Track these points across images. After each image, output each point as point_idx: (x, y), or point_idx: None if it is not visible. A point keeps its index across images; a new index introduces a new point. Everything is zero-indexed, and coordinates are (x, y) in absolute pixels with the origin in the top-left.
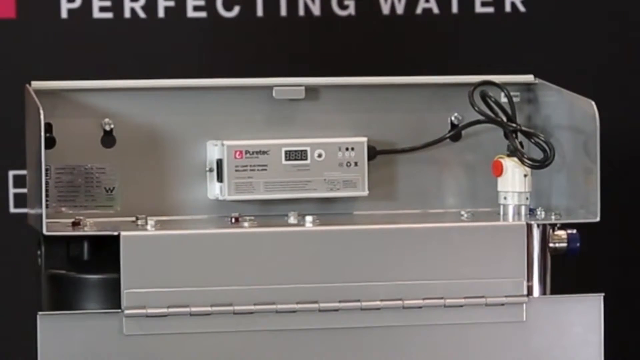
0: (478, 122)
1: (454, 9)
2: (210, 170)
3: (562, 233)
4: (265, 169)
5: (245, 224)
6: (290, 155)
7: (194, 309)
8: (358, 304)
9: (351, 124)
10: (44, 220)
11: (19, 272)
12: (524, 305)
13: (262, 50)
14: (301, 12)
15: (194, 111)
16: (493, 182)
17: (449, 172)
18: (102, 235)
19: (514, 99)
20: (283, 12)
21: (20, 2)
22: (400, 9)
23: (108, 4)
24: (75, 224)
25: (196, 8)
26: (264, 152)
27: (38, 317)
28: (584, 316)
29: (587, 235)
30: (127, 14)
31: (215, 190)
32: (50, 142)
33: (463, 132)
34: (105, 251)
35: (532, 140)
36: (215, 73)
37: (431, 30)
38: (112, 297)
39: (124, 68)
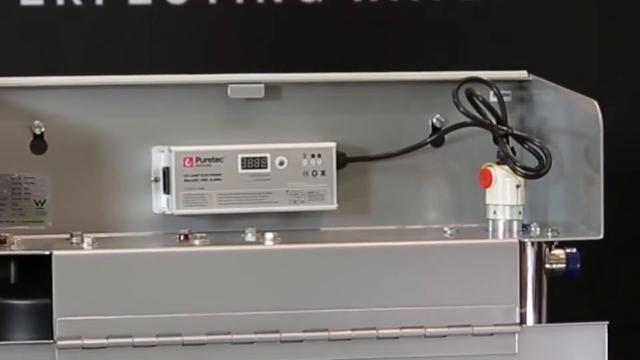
0: (463, 124)
1: None
2: (156, 180)
3: (560, 252)
4: (219, 179)
5: (196, 242)
6: (248, 163)
7: (137, 340)
8: (326, 333)
9: (318, 127)
10: None
11: None
12: (516, 335)
13: (215, 43)
14: None
15: (137, 112)
16: (481, 193)
17: (430, 182)
18: (32, 254)
19: (505, 99)
20: None
21: None
22: None
23: None
24: (1, 242)
25: None
26: (218, 160)
27: None
28: (586, 348)
29: (589, 254)
30: (59, 0)
31: (161, 203)
32: None
33: (446, 136)
34: (35, 273)
35: (526, 146)
36: (161, 69)
37: (410, 20)
38: (43, 326)
39: (56, 63)
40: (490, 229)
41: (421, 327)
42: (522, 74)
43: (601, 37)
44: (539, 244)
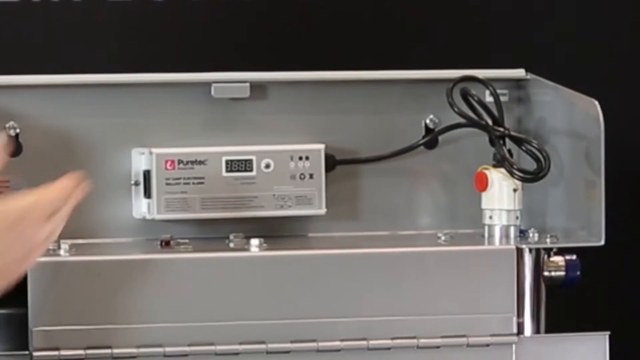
0: (458, 125)
1: None
2: (136, 183)
3: (559, 259)
4: (202, 183)
5: (178, 248)
6: (232, 165)
7: (116, 351)
8: (314, 344)
9: (305, 128)
10: None
11: None
12: (514, 346)
13: (198, 40)
14: None
15: (116, 113)
16: (476, 198)
17: (423, 185)
18: None
19: (502, 98)
20: None
21: None
22: None
23: None
24: None
25: None
26: (201, 162)
27: None
28: (586, 359)
29: (590, 262)
30: None
31: (141, 207)
32: None
33: (440, 137)
34: None
35: (523, 148)
36: (141, 67)
37: (402, 15)
38: (18, 336)
39: (32, 61)
40: (486, 234)
41: (414, 337)
42: (519, 72)
43: (602, 34)
44: (537, 250)
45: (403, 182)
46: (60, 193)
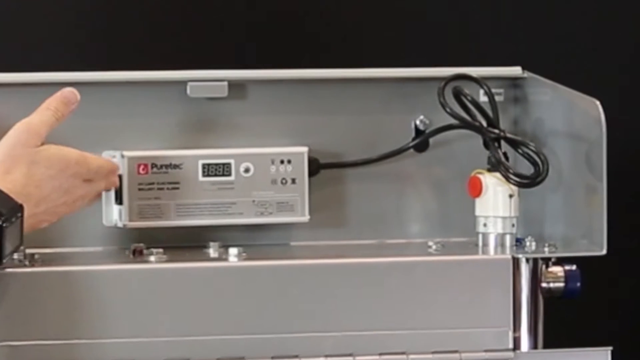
0: (450, 127)
1: None
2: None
3: (558, 270)
4: (177, 188)
5: (152, 258)
6: (210, 169)
7: None
8: None
9: (287, 130)
10: None
11: None
12: None
13: (173, 35)
14: None
15: (85, 113)
16: (469, 204)
17: (413, 191)
18: None
19: (497, 98)
20: None
21: None
22: None
23: None
24: None
25: None
26: (176, 166)
27: None
28: None
29: (590, 272)
30: None
31: (112, 214)
32: None
33: (431, 140)
34: None
35: (520, 151)
36: (111, 64)
37: (390, 10)
38: None
39: None
40: (480, 243)
41: (403, 353)
42: (515, 70)
43: (603, 30)
44: (535, 260)
45: (391, 187)
46: (102, 167)
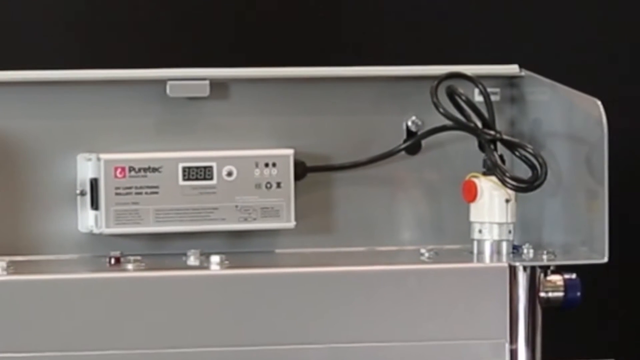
0: (444, 128)
1: None
2: (82, 193)
3: (557, 279)
4: (156, 192)
5: (129, 266)
6: (190, 173)
7: None
8: None
9: (272, 131)
10: None
11: None
12: None
13: (153, 32)
14: None
15: (59, 114)
16: (464, 209)
17: (405, 196)
18: None
19: (492, 98)
20: None
21: None
22: None
23: None
24: None
25: None
26: (155, 170)
27: None
28: None
29: (591, 281)
30: None
31: (88, 220)
32: None
33: (423, 142)
34: None
35: (517, 153)
36: (87, 62)
37: (381, 5)
38: None
39: None
40: (475, 251)
41: None
42: (512, 68)
43: (604, 27)
44: (533, 268)
45: (382, 191)
46: None
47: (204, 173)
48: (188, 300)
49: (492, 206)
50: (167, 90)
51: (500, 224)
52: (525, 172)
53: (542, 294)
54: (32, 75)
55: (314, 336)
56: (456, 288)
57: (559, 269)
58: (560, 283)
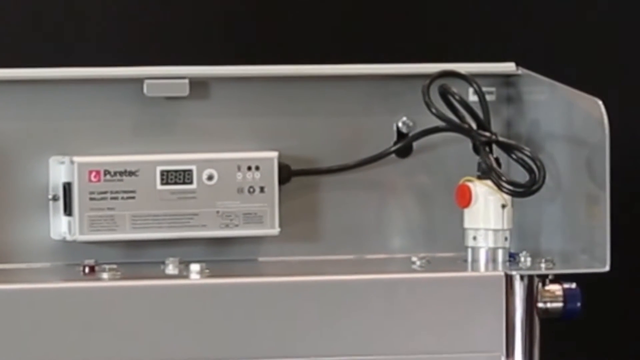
0: (436, 129)
1: None
2: (54, 198)
3: (556, 288)
4: (133, 197)
5: (104, 275)
6: (169, 177)
7: None
8: None
9: (255, 133)
10: None
11: None
12: None
13: (129, 28)
14: None
15: (30, 114)
16: (458, 215)
17: (395, 201)
18: None
19: (488, 97)
20: None
21: None
22: None
23: None
24: None
25: None
26: (131, 173)
27: None
28: None
29: (592, 291)
30: None
31: (61, 227)
32: None
33: (415, 144)
34: None
35: (514, 156)
36: (60, 60)
37: (369, 0)
38: None
39: None
40: (470, 259)
41: None
42: (508, 66)
43: (604, 23)
44: (530, 277)
45: (371, 196)
46: None
47: (183, 177)
48: (166, 311)
49: (487, 212)
50: (145, 90)
51: (495, 231)
52: (522, 176)
53: (540, 305)
54: (2, 74)
55: (299, 349)
56: (449, 298)
57: (558, 278)
58: (560, 293)
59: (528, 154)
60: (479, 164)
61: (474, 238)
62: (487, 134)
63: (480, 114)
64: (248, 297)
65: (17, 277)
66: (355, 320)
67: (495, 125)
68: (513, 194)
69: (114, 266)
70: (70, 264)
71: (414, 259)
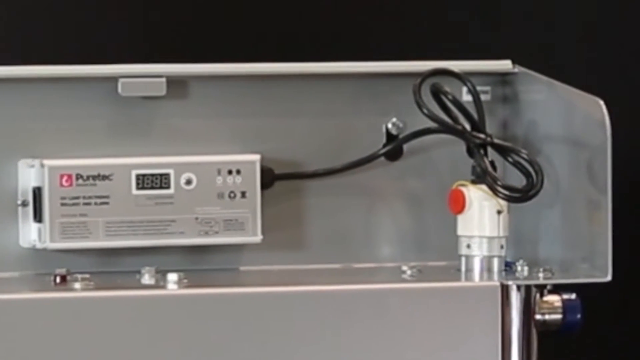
0: (428, 131)
1: None
2: (24, 204)
3: (554, 299)
4: (107, 203)
5: (77, 285)
6: (145, 181)
7: None
8: None
9: (236, 135)
10: None
11: None
12: None
13: (103, 25)
14: None
15: None
16: (450, 222)
17: (384, 206)
18: None
19: (483, 97)
20: None
21: None
22: None
23: None
24: None
25: None
26: (105, 177)
27: None
28: None
29: (593, 301)
30: None
31: (31, 234)
32: None
33: (405, 146)
34: None
35: (510, 159)
36: (29, 57)
37: None
38: None
39: None
40: (463, 268)
41: None
42: (504, 64)
43: (605, 19)
44: (528, 288)
45: (359, 202)
46: None
47: (160, 181)
48: (142, 323)
49: (482, 218)
50: (119, 89)
51: (491, 238)
52: (519, 180)
53: (538, 317)
54: None
55: None
56: (442, 310)
57: (557, 289)
58: (559, 304)
59: (525, 156)
60: (473, 168)
61: (468, 246)
62: (482, 135)
63: (475, 115)
64: (229, 309)
65: None
66: (343, 333)
67: (491, 126)
68: (509, 199)
69: (87, 276)
70: (41, 274)
71: (405, 268)
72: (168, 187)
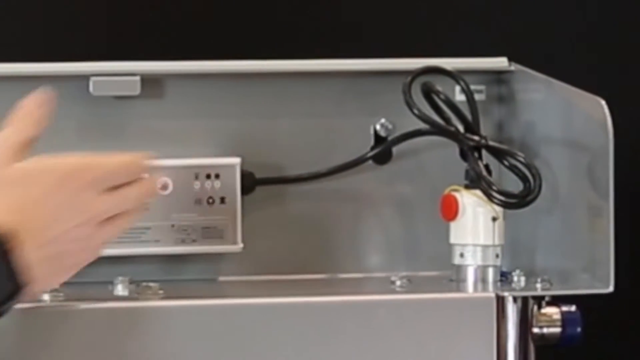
0: (419, 133)
1: None
2: None
3: (553, 311)
4: None
5: (45, 296)
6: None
7: None
8: None
9: (215, 137)
10: None
11: None
12: None
13: (72, 20)
14: None
15: None
16: (443, 229)
17: (373, 213)
18: None
19: (477, 96)
20: None
21: None
22: None
23: None
24: None
25: None
26: None
27: None
28: None
29: (594, 314)
30: None
31: None
32: None
33: (394, 149)
34: None
35: (506, 163)
36: None
37: None
38: None
39: None
40: (456, 278)
41: None
42: (500, 61)
43: (606, 15)
44: (524, 299)
45: (345, 208)
46: (126, 166)
47: None
48: (115, 336)
49: (476, 225)
50: (91, 88)
51: (485, 247)
52: (515, 185)
53: (536, 330)
54: None
55: None
56: (434, 322)
57: (556, 300)
58: (557, 317)
59: (522, 160)
60: (467, 172)
61: (461, 255)
62: (476, 137)
63: (468, 116)
64: (207, 321)
65: None
66: (328, 348)
67: (485, 127)
68: (505, 205)
69: (57, 287)
70: None
71: (394, 278)
72: None
